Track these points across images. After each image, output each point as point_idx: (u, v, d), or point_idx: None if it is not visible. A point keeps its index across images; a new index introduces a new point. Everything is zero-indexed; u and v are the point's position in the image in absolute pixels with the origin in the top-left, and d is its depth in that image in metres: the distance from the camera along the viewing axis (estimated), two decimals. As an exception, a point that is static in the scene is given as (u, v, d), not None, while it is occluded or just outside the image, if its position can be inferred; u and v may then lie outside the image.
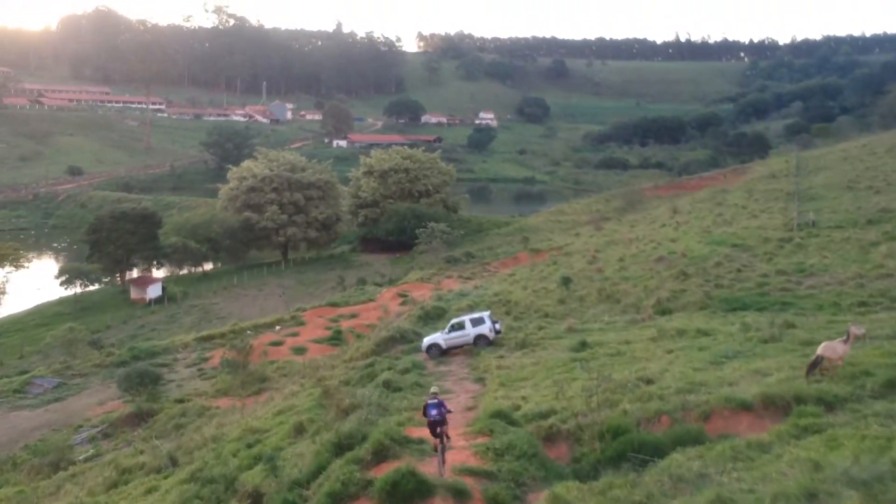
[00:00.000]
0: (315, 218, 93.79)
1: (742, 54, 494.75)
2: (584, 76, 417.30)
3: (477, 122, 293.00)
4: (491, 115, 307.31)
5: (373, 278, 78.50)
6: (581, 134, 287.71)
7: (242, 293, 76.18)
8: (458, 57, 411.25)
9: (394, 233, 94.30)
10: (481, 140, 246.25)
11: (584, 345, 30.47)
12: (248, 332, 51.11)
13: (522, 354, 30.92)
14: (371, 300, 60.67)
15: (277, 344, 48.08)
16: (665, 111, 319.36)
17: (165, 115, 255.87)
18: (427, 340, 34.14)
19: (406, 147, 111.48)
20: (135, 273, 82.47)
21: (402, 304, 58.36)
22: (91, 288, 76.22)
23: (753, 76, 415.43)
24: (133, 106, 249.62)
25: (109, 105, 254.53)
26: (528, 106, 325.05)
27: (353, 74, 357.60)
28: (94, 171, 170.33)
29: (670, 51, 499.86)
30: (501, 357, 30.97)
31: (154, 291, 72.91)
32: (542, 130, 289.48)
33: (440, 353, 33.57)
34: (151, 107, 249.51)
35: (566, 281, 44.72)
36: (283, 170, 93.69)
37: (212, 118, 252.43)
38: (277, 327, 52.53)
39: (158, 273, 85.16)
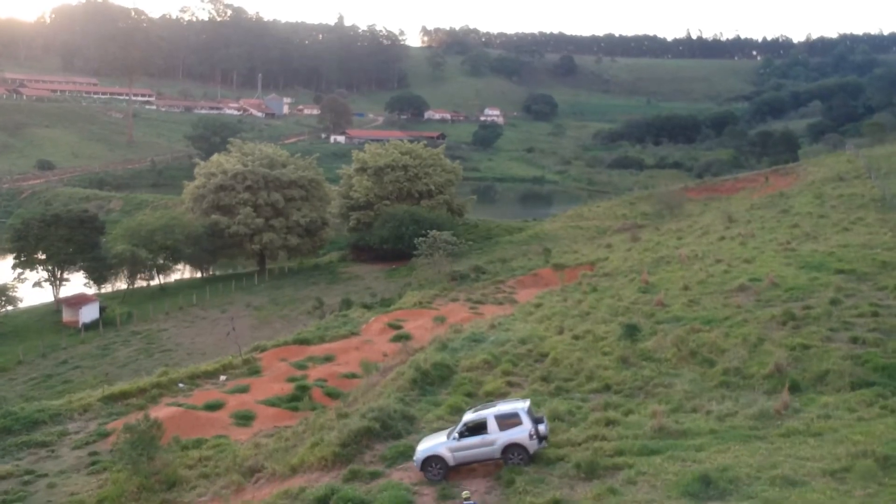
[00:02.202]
0: (297, 222, 79.82)
1: (755, 52, 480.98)
2: (593, 73, 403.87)
3: (482, 118, 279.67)
4: (497, 112, 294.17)
5: (361, 297, 64.70)
6: (591, 132, 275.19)
7: (201, 315, 62.36)
8: (462, 52, 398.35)
9: (389, 240, 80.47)
10: (487, 137, 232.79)
11: (706, 483, 16.72)
12: (181, 384, 37.29)
13: (595, 498, 17.13)
14: (354, 333, 46.87)
15: (215, 407, 34.25)
16: (677, 109, 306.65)
17: (154, 107, 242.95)
18: (424, 449, 20.35)
19: (405, 142, 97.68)
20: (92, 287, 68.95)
21: (394, 339, 44.77)
22: (20, 306, 62.60)
23: (768, 74, 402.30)
24: (120, 98, 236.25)
25: (95, 96, 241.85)
26: (535, 103, 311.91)
27: (354, 69, 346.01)
28: (67, 166, 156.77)
29: (681, 48, 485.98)
30: (557, 503, 17.24)
31: (89, 314, 59.18)
32: (549, 128, 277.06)
33: (444, 472, 19.85)
34: (139, 98, 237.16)
35: (631, 331, 30.75)
36: (259, 165, 79.65)
37: (203, 111, 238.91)
38: (222, 377, 38.71)
39: (107, 287, 71.23)
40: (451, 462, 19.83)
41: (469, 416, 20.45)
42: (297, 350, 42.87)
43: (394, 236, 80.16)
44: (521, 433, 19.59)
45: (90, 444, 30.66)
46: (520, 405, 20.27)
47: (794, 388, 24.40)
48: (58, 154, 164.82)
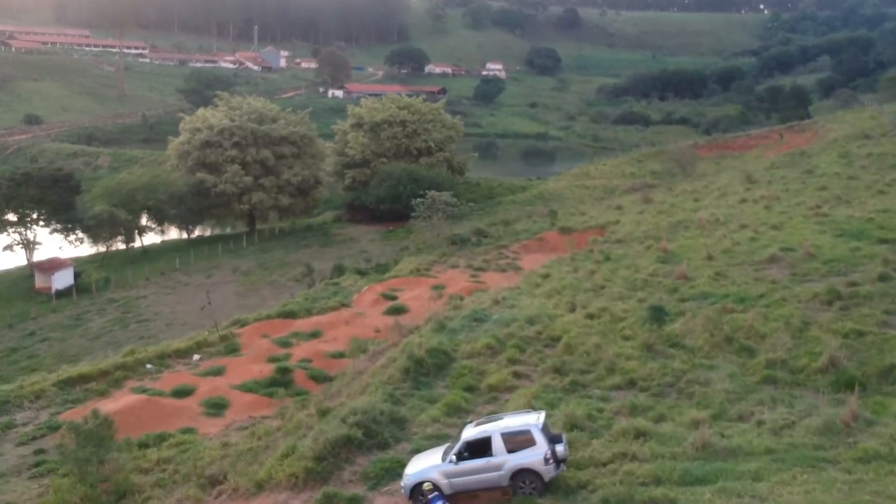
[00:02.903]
0: (288, 181, 75.46)
1: (762, 6, 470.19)
2: (597, 26, 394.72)
3: (484, 73, 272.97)
4: (499, 66, 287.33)
5: (355, 262, 60.69)
6: (595, 87, 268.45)
7: (184, 281, 58.43)
8: (464, 4, 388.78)
9: (386, 200, 76.19)
10: (489, 92, 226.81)
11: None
12: (149, 365, 33.47)
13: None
14: (344, 305, 42.97)
15: (184, 393, 30.44)
16: (683, 64, 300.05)
17: (147, 60, 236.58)
18: (414, 473, 16.51)
19: (404, 96, 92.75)
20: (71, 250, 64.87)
21: (388, 312, 40.94)
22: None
23: (775, 29, 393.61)
24: (113, 50, 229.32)
25: (87, 49, 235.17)
26: (538, 57, 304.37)
27: (353, 21, 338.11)
28: (56, 121, 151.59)
29: (687, 1, 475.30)
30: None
31: (62, 279, 55.20)
32: (553, 83, 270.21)
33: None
34: (131, 51, 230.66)
35: (657, 315, 26.77)
36: (247, 120, 74.97)
37: (198, 64, 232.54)
38: (196, 356, 34.86)
39: (84, 251, 67.07)
40: (448, 490, 16.00)
41: (470, 433, 16.57)
42: (281, 324, 39.00)
43: (391, 196, 75.91)
44: (535, 456, 15.73)
45: (37, 440, 26.87)
46: (532, 419, 16.36)
47: (850, 385, 20.58)
48: (46, 108, 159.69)
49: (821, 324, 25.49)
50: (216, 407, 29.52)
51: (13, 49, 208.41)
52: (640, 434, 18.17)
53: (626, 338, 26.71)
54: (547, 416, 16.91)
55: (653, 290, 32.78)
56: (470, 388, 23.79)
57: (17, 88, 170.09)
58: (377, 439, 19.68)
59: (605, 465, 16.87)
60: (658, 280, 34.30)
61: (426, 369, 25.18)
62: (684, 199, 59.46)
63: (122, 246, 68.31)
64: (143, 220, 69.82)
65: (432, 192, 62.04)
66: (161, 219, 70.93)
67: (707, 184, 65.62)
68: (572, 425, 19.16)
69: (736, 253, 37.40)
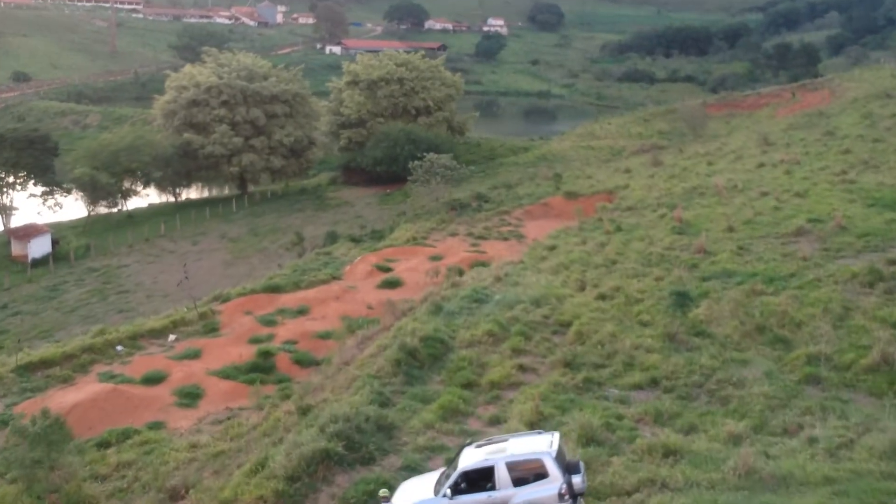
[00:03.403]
0: (280, 142, 72.12)
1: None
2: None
3: (485, 29, 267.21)
4: (500, 22, 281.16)
5: (349, 228, 57.80)
6: (598, 44, 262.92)
7: (168, 248, 55.54)
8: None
9: (382, 162, 72.95)
10: (490, 49, 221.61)
11: None
12: (120, 347, 30.69)
13: None
14: (335, 278, 40.12)
15: (155, 380, 27.70)
16: (688, 20, 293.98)
17: (141, 15, 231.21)
18: (402, 508, 13.74)
19: (402, 52, 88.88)
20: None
21: (382, 286, 38.15)
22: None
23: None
24: (105, 6, 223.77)
25: (78, 4, 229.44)
26: (540, 12, 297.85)
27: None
28: (45, 78, 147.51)
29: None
30: None
31: (39, 247, 52.24)
32: (555, 39, 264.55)
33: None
34: (124, 6, 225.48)
35: (682, 302, 23.85)
36: (236, 77, 71.33)
37: (192, 20, 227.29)
38: (172, 337, 32.05)
39: (64, 216, 63.94)
40: (442, 530, 13.26)
41: (468, 460, 13.71)
42: (265, 300, 36.14)
43: (388, 157, 72.65)
44: (547, 491, 12.92)
45: (-12, 436, 24.16)
46: (544, 445, 13.48)
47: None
48: (35, 65, 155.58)
49: (864, 310, 22.64)
50: (189, 397, 26.79)
51: (1, 3, 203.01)
52: (669, 452, 15.37)
53: (643, 324, 23.84)
54: (562, 438, 14.04)
55: (670, 266, 29.88)
56: (469, 385, 21.01)
57: (5, 44, 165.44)
58: (361, 453, 16.91)
59: (629, 494, 14.09)
60: (675, 255, 31.39)
61: (420, 360, 22.35)
62: (697, 161, 56.29)
63: (105, 210, 65.16)
64: (127, 184, 66.53)
65: (430, 155, 58.86)
66: (146, 182, 67.78)
67: (720, 145, 62.39)
68: (588, 438, 16.36)
69: (758, 224, 34.46)
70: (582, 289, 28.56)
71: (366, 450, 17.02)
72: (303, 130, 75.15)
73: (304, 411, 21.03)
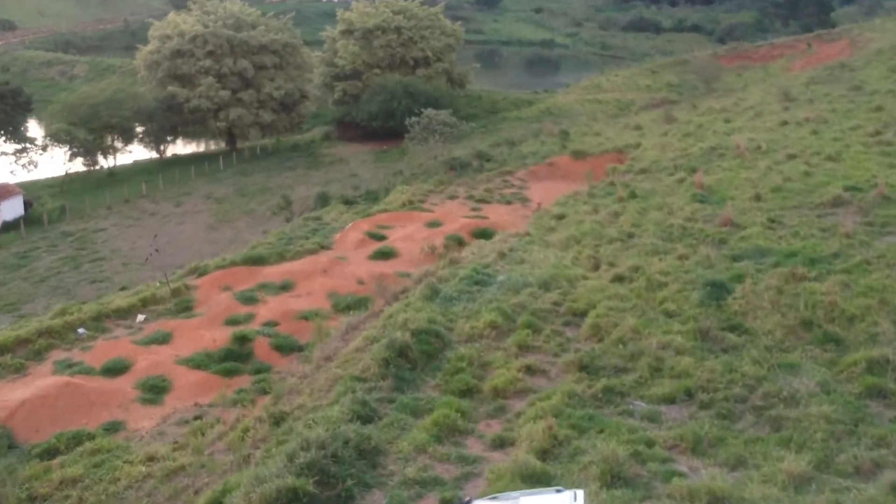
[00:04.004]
0: (270, 95, 68.38)
1: None
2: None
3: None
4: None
5: (343, 188, 54.52)
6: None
7: (150, 210, 52.30)
8: None
9: (378, 116, 69.41)
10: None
11: None
12: (82, 329, 27.67)
13: None
14: (324, 247, 36.98)
15: (117, 370, 24.77)
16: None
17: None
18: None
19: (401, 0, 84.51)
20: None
21: (374, 256, 35.14)
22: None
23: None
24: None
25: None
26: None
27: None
28: (31, 27, 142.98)
29: None
30: None
31: (10, 209, 48.98)
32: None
33: None
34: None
35: (717, 293, 20.71)
36: (222, 26, 67.27)
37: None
38: (140, 317, 29.03)
39: (40, 175, 60.35)
40: None
41: (468, 527, 10.73)
42: (246, 273, 33.04)
43: (384, 112, 69.11)
44: (569, 573, 9.95)
45: (-79, 440, 21.26)
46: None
47: None
48: (21, 13, 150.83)
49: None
50: (154, 390, 23.86)
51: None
52: (715, 500, 12.36)
53: (669, 314, 20.73)
54: (587, 496, 11.00)
55: (694, 241, 26.70)
56: (468, 392, 17.96)
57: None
58: (336, 490, 13.90)
59: None
60: (698, 228, 28.15)
61: (412, 360, 19.27)
62: (712, 118, 52.72)
63: (85, 168, 61.62)
64: (108, 140, 62.97)
65: (429, 111, 55.34)
66: (128, 138, 64.18)
67: (736, 101, 58.72)
68: (613, 475, 13.33)
69: (789, 192, 31.18)
70: (596, 268, 25.42)
71: (343, 485, 14.01)
72: (294, 83, 71.34)
73: (277, 420, 18.12)
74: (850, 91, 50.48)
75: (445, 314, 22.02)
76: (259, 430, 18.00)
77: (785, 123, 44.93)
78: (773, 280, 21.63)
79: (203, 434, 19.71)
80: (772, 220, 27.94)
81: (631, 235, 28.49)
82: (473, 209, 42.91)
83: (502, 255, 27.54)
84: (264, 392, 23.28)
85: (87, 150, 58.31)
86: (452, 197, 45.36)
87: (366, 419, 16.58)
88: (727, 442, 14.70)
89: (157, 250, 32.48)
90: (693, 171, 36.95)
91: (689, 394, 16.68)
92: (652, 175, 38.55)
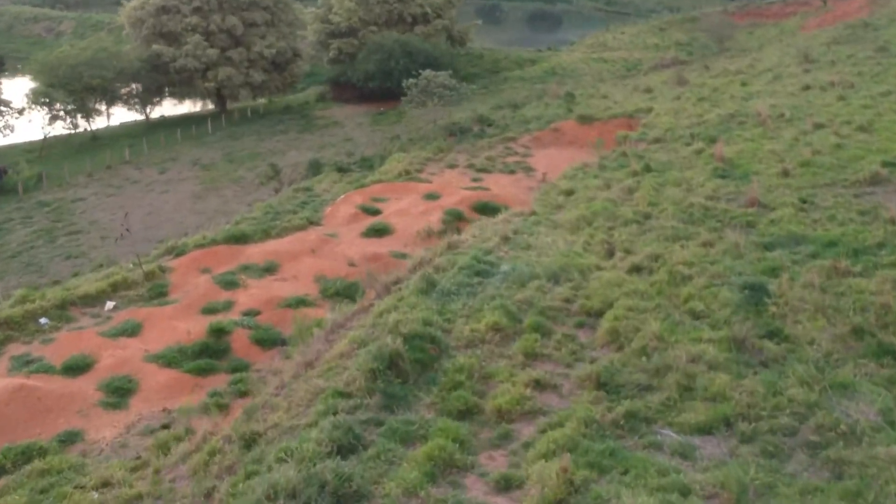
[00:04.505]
0: (260, 54, 65.28)
1: None
2: None
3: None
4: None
5: (336, 154, 51.79)
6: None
7: (133, 178, 49.63)
8: None
9: (375, 76, 66.38)
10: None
11: None
12: (44, 319, 25.23)
13: None
14: (313, 223, 34.47)
15: (79, 369, 22.37)
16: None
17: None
18: None
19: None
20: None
21: (367, 234, 32.72)
22: None
23: None
24: None
25: None
26: None
27: None
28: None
29: None
30: None
31: (-16, 177, 46.32)
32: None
33: None
34: None
35: (757, 297, 18.15)
36: (210, -20, 64.00)
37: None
38: (110, 304, 26.59)
39: (18, 138, 57.37)
40: None
41: None
42: (228, 253, 30.57)
43: (381, 72, 66.04)
44: None
45: None
46: None
47: None
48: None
49: None
50: (119, 392, 21.43)
51: None
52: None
53: (695, 315, 18.24)
54: None
55: (718, 224, 24.15)
56: (468, 412, 15.50)
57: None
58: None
59: None
60: (722, 208, 25.58)
61: (403, 371, 16.80)
62: (728, 81, 49.76)
63: (67, 132, 58.71)
64: (90, 103, 59.96)
65: (427, 73, 52.30)
66: (111, 100, 61.15)
67: (751, 62, 55.66)
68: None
69: (819, 167, 28.51)
70: (610, 255, 22.91)
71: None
72: (286, 41, 68.22)
73: (248, 443, 15.69)
74: (877, 52, 47.45)
75: (442, 312, 19.50)
76: (227, 454, 15.62)
77: (807, 88, 42.03)
78: (814, 276, 19.09)
79: (167, 452, 17.40)
80: (803, 201, 25.34)
81: (648, 216, 25.92)
82: (474, 179, 40.32)
83: (506, 239, 24.95)
84: (241, 394, 21.01)
85: (68, 113, 55.35)
86: (452, 166, 42.72)
87: (348, 449, 14.14)
88: (778, 491, 12.26)
89: (127, 230, 29.91)
90: (712, 140, 34.31)
91: (727, 422, 14.20)
92: (667, 145, 35.83)
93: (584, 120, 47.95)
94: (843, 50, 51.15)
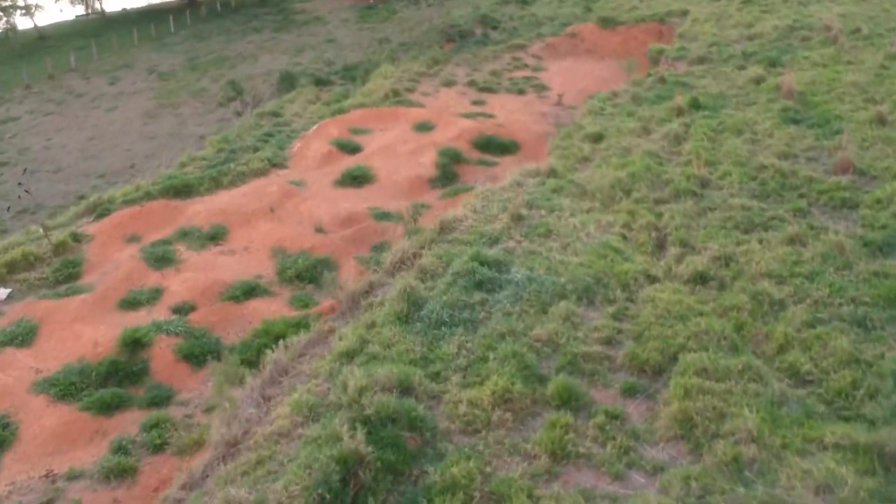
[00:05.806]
0: (230, -63, 56.74)
1: None
2: None
3: None
4: None
5: (315, 62, 44.59)
6: None
7: (78, 90, 42.58)
8: None
9: (363, -35, 58.02)
10: None
11: None
12: (-88, 317, 19.30)
13: None
14: (276, 165, 28.12)
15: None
16: None
17: None
18: None
19: None
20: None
21: (342, 181, 26.65)
22: None
23: None
24: None
25: None
26: None
27: None
28: None
29: None
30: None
31: None
32: None
33: None
34: None
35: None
36: None
37: None
38: (4, 291, 20.56)
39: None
40: None
41: None
42: (163, 213, 24.35)
43: (370, -42, 57.71)
44: None
45: None
46: None
47: None
48: None
49: None
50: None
51: None
52: None
53: (800, 379, 12.44)
54: None
55: (803, 200, 17.95)
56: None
57: None
58: None
59: None
60: (804, 175, 19.27)
61: (365, 488, 10.96)
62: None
63: (2, 29, 51.10)
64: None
65: (420, -37, 44.55)
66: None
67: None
68: None
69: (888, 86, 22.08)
70: (660, 247, 16.89)
71: None
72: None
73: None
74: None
75: (429, 359, 13.57)
76: None
77: (881, -5, 34.77)
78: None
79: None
80: (889, 145, 19.11)
81: (705, 183, 19.62)
82: (476, 102, 33.71)
83: (517, 219, 18.68)
84: (155, 448, 15.38)
85: (3, 10, 47.77)
86: (449, 83, 35.93)
87: None
88: None
89: (27, 191, 23.54)
90: (771, 63, 27.59)
91: None
92: (714, 67, 29.01)
93: (606, 23, 40.74)
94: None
